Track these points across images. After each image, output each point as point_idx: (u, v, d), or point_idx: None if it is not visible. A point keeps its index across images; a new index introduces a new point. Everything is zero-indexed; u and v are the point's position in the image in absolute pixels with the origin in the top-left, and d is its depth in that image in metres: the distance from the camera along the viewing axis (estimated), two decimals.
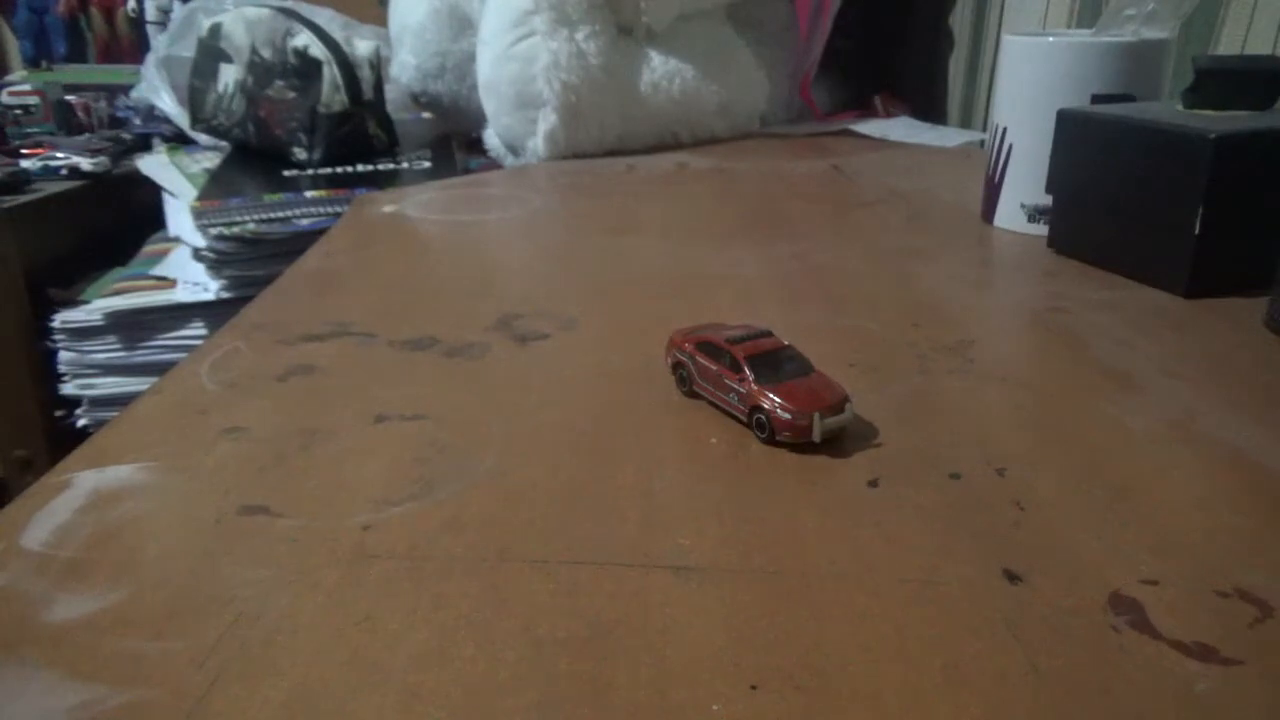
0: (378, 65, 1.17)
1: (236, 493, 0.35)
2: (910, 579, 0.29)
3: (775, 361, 0.39)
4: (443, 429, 0.40)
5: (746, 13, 1.15)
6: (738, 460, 0.37)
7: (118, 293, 1.02)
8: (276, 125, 1.13)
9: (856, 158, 0.98)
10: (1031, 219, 0.67)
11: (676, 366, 0.43)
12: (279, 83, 1.13)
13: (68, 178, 1.18)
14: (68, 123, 1.41)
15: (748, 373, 0.38)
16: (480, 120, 1.09)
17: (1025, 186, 0.67)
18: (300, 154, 1.13)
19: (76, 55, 2.00)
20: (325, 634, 0.27)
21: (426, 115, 1.34)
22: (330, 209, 0.99)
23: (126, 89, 1.46)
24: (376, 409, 0.42)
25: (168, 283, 1.03)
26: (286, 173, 1.11)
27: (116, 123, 1.50)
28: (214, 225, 0.97)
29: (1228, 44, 0.74)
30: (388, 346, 0.49)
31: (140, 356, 1.03)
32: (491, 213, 0.77)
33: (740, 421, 0.39)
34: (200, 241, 0.98)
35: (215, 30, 1.17)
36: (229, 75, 1.17)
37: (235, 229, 0.96)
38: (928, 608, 0.28)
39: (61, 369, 1.03)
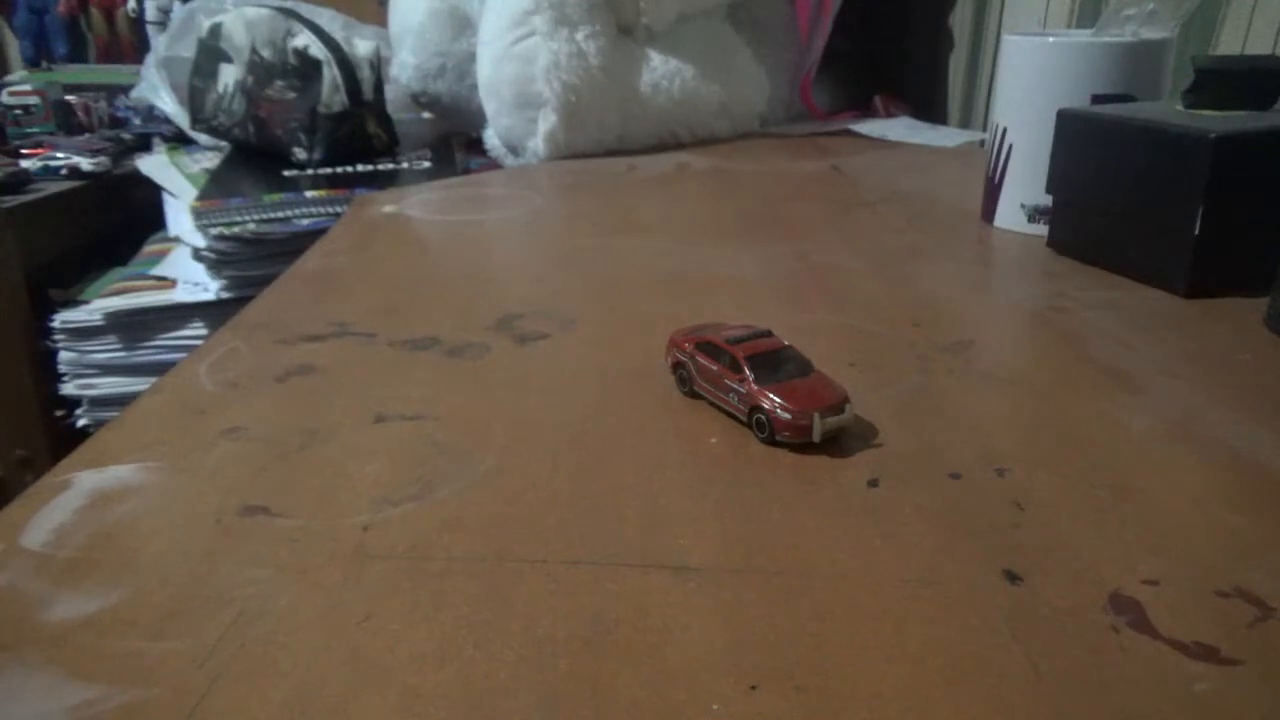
0: (378, 65, 1.17)
1: (236, 493, 0.35)
2: (910, 579, 0.29)
3: (775, 361, 0.39)
4: (443, 429, 0.40)
5: (746, 13, 1.15)
6: (738, 460, 0.37)
7: (118, 293, 1.02)
8: (276, 125, 1.13)
9: (856, 158, 0.98)
10: (1031, 219, 0.67)
11: (676, 366, 0.43)
12: (279, 83, 1.13)
13: (68, 178, 1.18)
14: (68, 123, 1.41)
15: (748, 373, 0.38)
16: (480, 120, 1.09)
17: (1025, 186, 0.67)
18: (300, 154, 1.13)
19: (76, 55, 2.00)
20: (325, 634, 0.27)
21: (426, 115, 1.33)
22: (330, 209, 0.99)
23: (126, 89, 1.46)
24: (376, 409, 0.42)
25: (168, 283, 1.02)
26: (286, 173, 1.11)
27: (116, 123, 1.50)
28: (214, 225, 0.97)
29: (1228, 44, 0.74)
30: (388, 346, 0.49)
31: (140, 356, 1.02)
32: (491, 213, 0.77)
33: (740, 421, 0.39)
34: (200, 241, 0.98)
35: (215, 30, 1.17)
36: (229, 75, 1.17)
37: (235, 229, 0.96)
38: (928, 608, 0.28)
39: (61, 369, 1.03)
